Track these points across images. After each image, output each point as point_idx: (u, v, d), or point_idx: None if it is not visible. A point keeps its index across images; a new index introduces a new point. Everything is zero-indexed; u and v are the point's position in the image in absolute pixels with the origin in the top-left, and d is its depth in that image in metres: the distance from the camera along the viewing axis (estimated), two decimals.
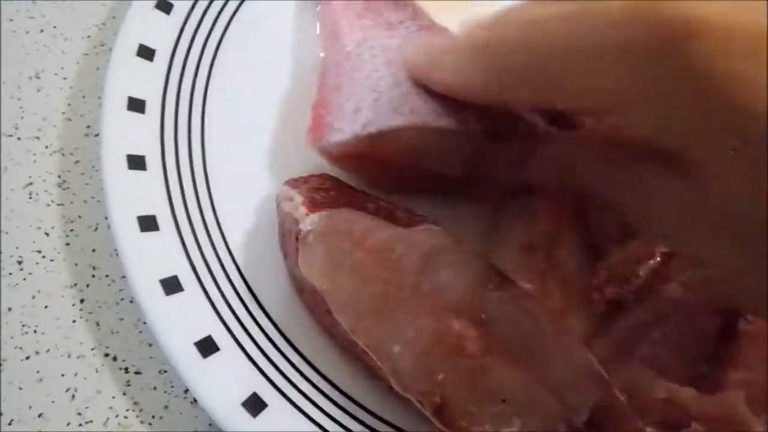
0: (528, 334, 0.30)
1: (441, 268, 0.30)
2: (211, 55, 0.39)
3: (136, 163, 0.34)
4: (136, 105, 0.36)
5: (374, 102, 0.34)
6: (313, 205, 0.31)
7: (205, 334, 0.31)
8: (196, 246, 0.33)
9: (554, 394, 0.29)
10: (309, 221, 0.30)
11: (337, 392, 0.32)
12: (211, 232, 0.34)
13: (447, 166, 0.35)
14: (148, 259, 0.32)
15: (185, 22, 0.39)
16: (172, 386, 0.33)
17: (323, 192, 0.32)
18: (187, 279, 0.32)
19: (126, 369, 0.34)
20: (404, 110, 0.33)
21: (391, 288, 0.30)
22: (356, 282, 0.29)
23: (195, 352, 0.30)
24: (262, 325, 0.32)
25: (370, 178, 0.36)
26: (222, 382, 0.30)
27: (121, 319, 0.35)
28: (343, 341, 0.31)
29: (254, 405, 0.29)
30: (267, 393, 0.30)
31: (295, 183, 0.33)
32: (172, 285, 0.31)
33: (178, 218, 0.33)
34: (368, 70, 0.36)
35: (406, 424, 0.31)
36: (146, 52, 0.37)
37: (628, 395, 0.31)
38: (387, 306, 0.29)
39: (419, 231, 0.31)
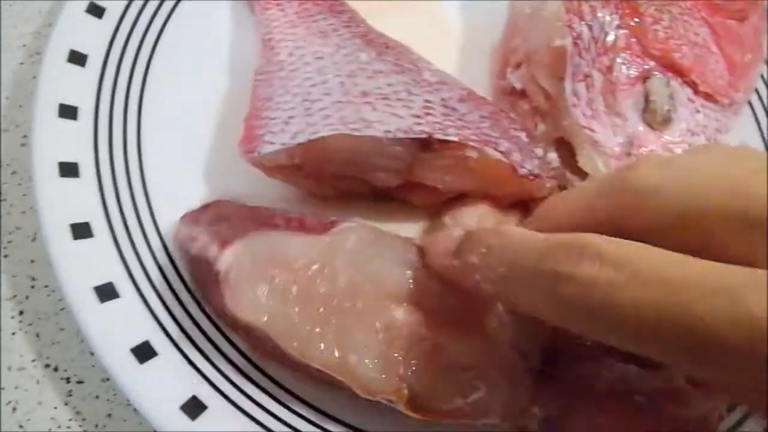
0: (466, 301, 0.30)
1: (370, 261, 0.31)
2: (145, 60, 0.39)
3: (69, 170, 0.34)
4: (68, 112, 0.35)
5: (305, 111, 0.34)
6: (223, 240, 0.30)
7: (142, 340, 0.31)
8: (133, 252, 0.33)
9: (507, 347, 0.30)
10: (224, 259, 0.29)
11: (282, 391, 0.32)
12: (149, 237, 0.34)
13: (380, 174, 0.36)
14: (81, 266, 0.32)
15: (118, 27, 0.38)
16: (115, 394, 0.33)
17: (225, 222, 0.32)
18: (123, 285, 0.32)
19: (67, 379, 0.33)
20: (334, 119, 0.34)
21: (329, 299, 0.30)
22: (292, 305, 0.30)
23: (131, 358, 0.30)
24: (203, 327, 0.33)
25: (306, 187, 0.37)
26: (160, 386, 0.30)
27: (62, 329, 0.35)
28: (294, 366, 0.31)
29: (193, 408, 0.30)
30: (207, 395, 0.30)
31: (193, 218, 0.33)
32: (107, 292, 0.31)
33: (114, 224, 0.34)
34: (300, 79, 0.36)
35: (356, 421, 0.32)
36: (78, 58, 0.37)
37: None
38: (331, 319, 0.30)
39: (337, 233, 0.31)
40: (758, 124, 0.43)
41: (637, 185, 0.24)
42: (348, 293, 0.30)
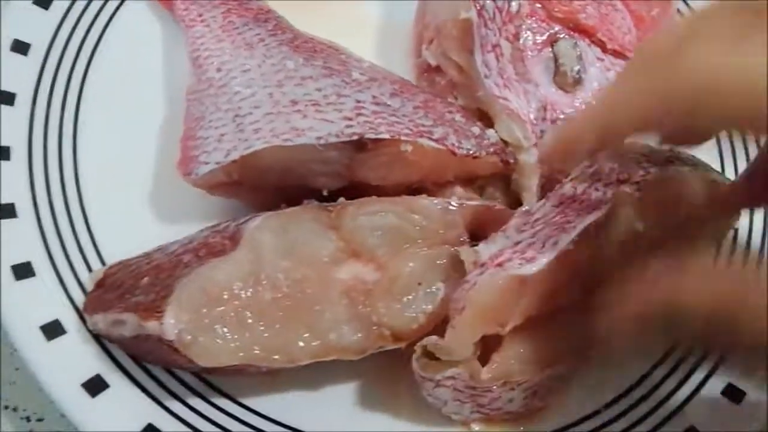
0: (390, 227, 0.33)
1: (293, 247, 0.32)
2: (77, 89, 0.38)
3: (6, 211, 0.34)
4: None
5: (237, 128, 0.34)
6: (151, 310, 0.29)
7: (93, 374, 0.31)
8: (78, 286, 0.33)
9: (439, 242, 0.33)
10: (167, 326, 0.28)
11: (237, 405, 0.33)
12: (93, 269, 0.34)
13: (321, 179, 0.36)
14: (26, 306, 0.32)
15: (44, 65, 0.38)
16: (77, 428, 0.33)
17: (136, 289, 0.31)
18: (69, 321, 0.32)
19: (27, 418, 0.34)
20: (265, 132, 0.34)
21: (281, 301, 0.31)
22: (254, 326, 0.30)
23: (83, 393, 0.31)
24: None
25: (251, 200, 0.36)
26: (114, 418, 0.30)
27: (17, 369, 0.35)
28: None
29: None
30: (162, 421, 0.31)
31: (97, 305, 0.31)
32: (53, 329, 0.32)
33: (56, 261, 0.34)
34: (229, 95, 0.36)
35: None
36: (6, 98, 0.36)
37: None
38: (293, 316, 0.31)
39: (249, 239, 0.31)
40: None
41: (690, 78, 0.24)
42: (293, 285, 0.31)
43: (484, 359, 0.31)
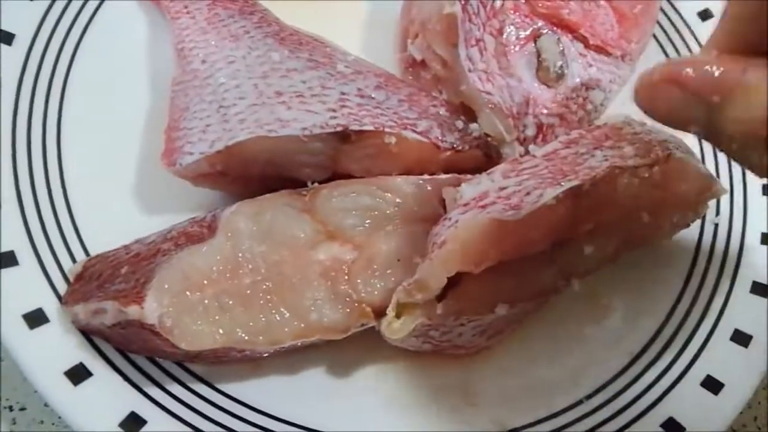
0: (364, 208, 0.34)
1: (269, 230, 0.32)
2: (62, 80, 0.38)
3: None
4: None
5: (221, 118, 0.35)
6: (132, 296, 0.29)
7: (76, 362, 0.31)
8: (60, 275, 0.33)
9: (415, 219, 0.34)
10: (147, 311, 0.28)
11: (218, 394, 0.33)
12: (76, 258, 0.34)
13: (305, 170, 0.36)
14: (9, 295, 0.32)
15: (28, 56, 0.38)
16: (59, 417, 0.33)
17: (116, 278, 0.31)
18: (52, 309, 0.32)
19: (10, 407, 0.34)
20: (250, 123, 0.34)
21: (260, 284, 0.31)
22: (235, 310, 0.30)
23: (66, 381, 0.30)
24: None
25: (235, 191, 0.37)
26: (97, 406, 0.30)
27: (1, 360, 0.34)
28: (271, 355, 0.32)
29: (133, 423, 0.30)
30: (144, 409, 0.31)
31: (77, 297, 0.31)
32: (36, 318, 0.32)
33: (39, 250, 0.33)
34: (214, 86, 0.36)
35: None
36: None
37: None
38: (273, 299, 0.31)
39: (225, 226, 0.32)
40: None
41: None
42: (271, 268, 0.31)
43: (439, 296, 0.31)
